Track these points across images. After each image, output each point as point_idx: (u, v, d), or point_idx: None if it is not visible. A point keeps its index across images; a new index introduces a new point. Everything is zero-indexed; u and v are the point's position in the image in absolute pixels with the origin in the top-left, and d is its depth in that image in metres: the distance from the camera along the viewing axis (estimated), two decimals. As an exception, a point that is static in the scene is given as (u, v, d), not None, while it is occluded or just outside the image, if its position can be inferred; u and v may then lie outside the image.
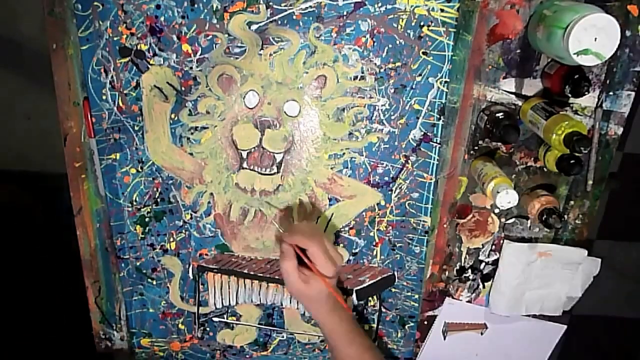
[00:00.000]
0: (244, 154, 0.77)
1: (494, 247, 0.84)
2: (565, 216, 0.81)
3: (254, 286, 0.86)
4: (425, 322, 0.90)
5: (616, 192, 1.75)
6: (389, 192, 0.79)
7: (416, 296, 0.87)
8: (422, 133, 0.75)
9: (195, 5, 0.69)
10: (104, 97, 0.73)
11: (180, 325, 0.90)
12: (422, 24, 0.69)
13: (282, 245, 0.72)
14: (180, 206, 0.80)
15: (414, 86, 0.73)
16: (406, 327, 0.90)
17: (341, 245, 0.83)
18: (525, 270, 0.83)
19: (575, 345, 1.83)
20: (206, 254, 0.84)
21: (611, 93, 0.73)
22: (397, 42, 0.70)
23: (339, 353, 0.77)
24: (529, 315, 0.89)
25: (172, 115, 0.75)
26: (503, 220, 0.82)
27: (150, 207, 0.80)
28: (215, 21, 0.69)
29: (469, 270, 0.86)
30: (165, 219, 0.81)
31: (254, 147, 0.76)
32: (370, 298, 0.87)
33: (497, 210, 0.81)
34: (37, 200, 1.80)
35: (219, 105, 0.74)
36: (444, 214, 0.81)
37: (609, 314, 2.01)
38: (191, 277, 0.86)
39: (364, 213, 0.80)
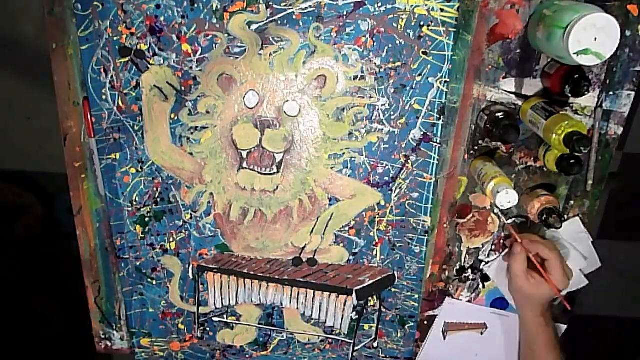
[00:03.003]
0: (244, 154, 0.77)
1: (494, 247, 0.84)
2: (565, 216, 0.81)
3: (254, 286, 0.86)
4: (425, 322, 0.90)
5: (616, 192, 1.75)
6: (389, 192, 0.79)
7: (416, 296, 0.87)
8: (422, 133, 0.75)
9: (195, 5, 0.69)
10: (103, 97, 0.73)
11: (180, 325, 0.90)
12: (422, 23, 0.69)
13: (515, 248, 0.79)
14: (180, 206, 0.80)
15: (414, 86, 0.73)
16: (406, 327, 0.90)
17: (341, 245, 0.83)
18: None
19: (576, 345, 1.83)
20: (206, 254, 0.84)
21: (611, 93, 0.73)
22: (397, 42, 0.70)
23: (533, 356, 0.82)
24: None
25: (172, 115, 0.75)
26: (503, 220, 0.82)
27: (150, 207, 0.80)
28: (215, 21, 0.69)
29: (469, 270, 0.86)
30: (165, 219, 0.81)
31: (254, 147, 0.76)
32: (370, 298, 0.87)
33: (497, 210, 0.81)
34: (37, 200, 1.80)
35: (219, 105, 0.74)
36: (444, 214, 0.81)
37: (609, 314, 2.01)
38: (191, 277, 0.86)
39: (364, 213, 0.80)
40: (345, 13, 0.69)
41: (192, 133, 0.76)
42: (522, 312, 0.82)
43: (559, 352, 0.81)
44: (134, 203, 0.80)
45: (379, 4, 0.68)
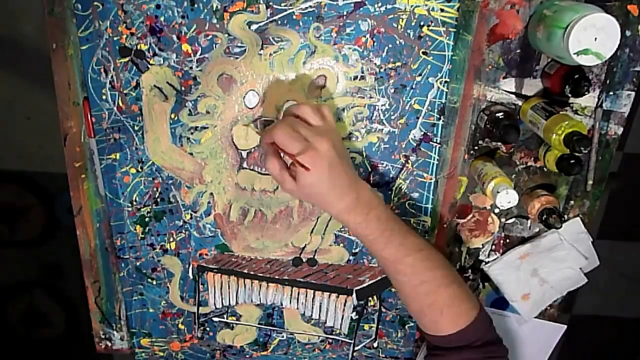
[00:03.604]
0: (244, 154, 0.77)
1: (494, 247, 0.84)
2: (565, 216, 0.81)
3: (254, 286, 0.86)
4: (425, 322, 0.90)
5: (616, 192, 1.75)
6: (389, 192, 0.79)
7: (416, 296, 0.87)
8: (422, 133, 0.75)
9: (195, 5, 0.69)
10: (104, 97, 0.73)
11: (180, 325, 0.90)
12: (422, 23, 0.69)
13: (263, 148, 0.67)
14: (180, 206, 0.80)
15: (414, 86, 0.73)
16: (406, 327, 0.90)
17: (341, 245, 0.83)
18: (520, 277, 0.83)
19: (575, 345, 1.83)
20: (206, 254, 0.84)
21: (611, 93, 0.73)
22: (397, 42, 0.70)
23: (376, 256, 0.68)
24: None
25: (172, 115, 0.75)
26: (503, 220, 0.82)
27: (150, 207, 0.80)
28: (215, 21, 0.69)
29: (469, 270, 0.86)
30: (165, 219, 0.81)
31: (254, 147, 0.76)
32: (370, 298, 0.87)
33: (497, 210, 0.81)
34: (37, 200, 1.80)
35: (219, 105, 0.74)
36: (444, 214, 0.81)
37: (609, 314, 2.01)
38: (191, 277, 0.86)
39: (364, 213, 0.80)
40: (345, 13, 0.69)
41: (192, 133, 0.76)
42: (334, 216, 0.66)
43: (401, 242, 0.66)
44: (134, 203, 0.80)
45: (379, 4, 0.68)
